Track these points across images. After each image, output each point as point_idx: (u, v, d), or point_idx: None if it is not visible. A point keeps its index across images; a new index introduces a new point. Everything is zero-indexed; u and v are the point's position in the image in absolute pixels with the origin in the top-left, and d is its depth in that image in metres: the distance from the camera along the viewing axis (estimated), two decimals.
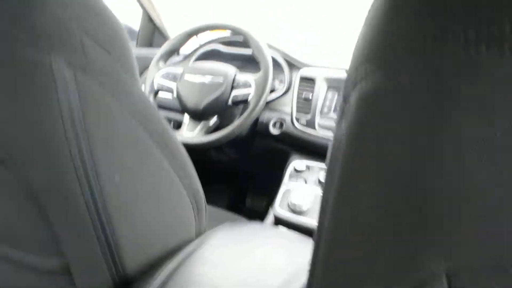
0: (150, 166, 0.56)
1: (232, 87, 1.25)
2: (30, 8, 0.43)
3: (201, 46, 1.56)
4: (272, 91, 1.37)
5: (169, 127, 0.58)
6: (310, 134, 1.30)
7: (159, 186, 0.59)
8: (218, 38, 1.56)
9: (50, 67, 0.43)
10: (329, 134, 1.28)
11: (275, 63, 1.41)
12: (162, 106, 1.52)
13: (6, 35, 0.43)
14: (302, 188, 1.20)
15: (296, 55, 1.46)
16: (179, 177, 0.61)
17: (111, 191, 0.50)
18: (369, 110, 0.25)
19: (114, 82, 0.48)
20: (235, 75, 1.26)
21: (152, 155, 0.56)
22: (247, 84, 1.24)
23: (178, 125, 1.60)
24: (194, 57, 1.54)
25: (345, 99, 0.28)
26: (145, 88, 1.35)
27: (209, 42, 1.57)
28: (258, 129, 1.39)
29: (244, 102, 1.24)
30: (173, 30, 1.75)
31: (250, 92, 1.23)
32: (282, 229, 1.11)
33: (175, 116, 1.50)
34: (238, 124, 1.22)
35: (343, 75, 1.36)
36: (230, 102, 1.25)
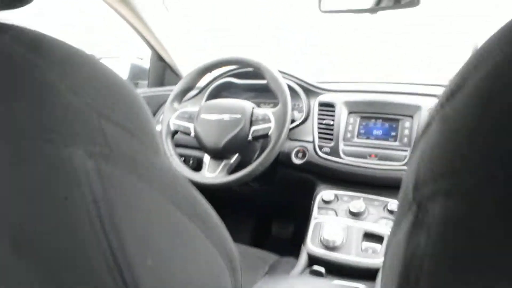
0: (183, 241, 0.52)
1: (251, 123, 1.22)
2: (42, 101, 0.40)
3: (214, 79, 1.54)
4: (292, 121, 1.34)
5: (195, 192, 0.55)
6: (335, 162, 1.26)
7: (193, 257, 0.55)
8: (230, 70, 1.54)
9: (70, 161, 0.40)
10: (355, 161, 1.23)
11: (291, 90, 1.37)
12: (181, 145, 1.49)
13: (21, 132, 0.40)
14: (333, 221, 1.15)
15: (311, 79, 1.43)
16: (212, 242, 0.58)
17: (144, 276, 0.47)
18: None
19: (139, 164, 0.45)
20: (252, 110, 1.23)
21: (185, 229, 0.53)
22: (266, 119, 1.20)
23: (198, 162, 1.57)
24: (208, 92, 1.52)
25: (428, 124, 0.25)
26: (161, 130, 1.33)
27: (222, 75, 1.54)
28: (280, 159, 1.34)
29: (265, 136, 1.21)
30: (183, 60, 1.73)
31: (270, 126, 1.19)
32: (324, 282, 1.05)
33: (194, 153, 1.47)
34: (261, 160, 1.18)
35: (363, 98, 1.31)
36: (250, 137, 1.21)
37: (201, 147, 1.27)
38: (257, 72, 1.28)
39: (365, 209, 1.14)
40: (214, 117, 1.25)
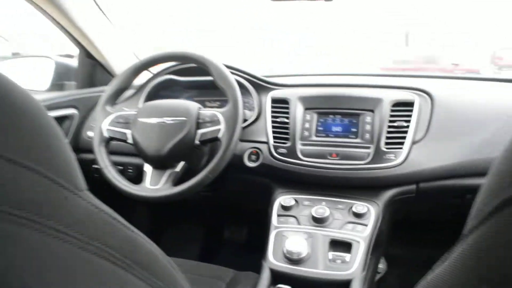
0: None
1: (198, 126, 1.07)
2: None
3: (152, 77, 1.37)
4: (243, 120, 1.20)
5: (133, 233, 0.41)
6: (293, 164, 1.14)
7: None
8: (171, 67, 1.38)
9: None
10: (314, 162, 1.12)
11: (240, 86, 1.23)
12: (117, 152, 1.30)
13: None
14: (296, 230, 1.04)
15: (261, 73, 1.30)
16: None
17: None
18: None
19: (50, 212, 0.31)
20: (198, 111, 1.08)
21: (119, 283, 0.39)
22: (215, 120, 1.06)
23: (139, 171, 1.40)
24: (145, 92, 1.35)
25: None
26: (93, 137, 1.14)
27: (161, 73, 1.38)
28: (231, 162, 1.20)
29: (214, 140, 1.07)
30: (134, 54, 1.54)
31: (220, 128, 1.05)
32: None
33: (134, 160, 1.30)
34: (212, 168, 1.04)
35: (319, 92, 1.21)
36: (197, 142, 1.07)
37: (141, 156, 1.10)
38: (200, 68, 1.13)
39: (329, 215, 1.04)
40: (154, 120, 1.09)
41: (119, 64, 1.49)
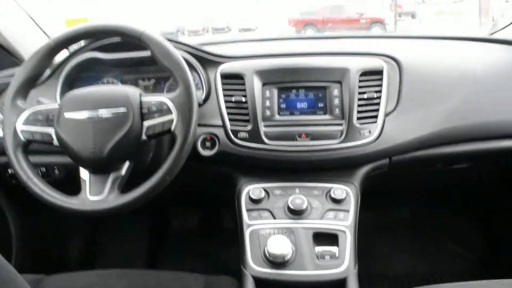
0: None
1: (142, 117, 0.87)
2: None
3: (70, 56, 1.11)
4: None
5: None
6: (257, 149, 1.00)
7: None
8: (91, 42, 1.13)
9: None
10: (282, 145, 0.99)
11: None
12: (37, 152, 1.04)
13: None
14: (273, 227, 0.92)
15: (209, 47, 1.11)
16: None
17: None
18: None
19: None
20: (140, 99, 0.88)
21: None
22: (163, 109, 0.87)
23: (67, 172, 1.16)
24: (63, 74, 1.09)
25: None
26: (5, 142, 0.89)
27: (81, 50, 1.12)
28: None
29: (166, 133, 0.88)
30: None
31: (172, 119, 0.86)
32: None
33: (60, 159, 1.05)
34: (169, 167, 0.85)
35: (277, 63, 1.06)
36: (144, 137, 0.87)
37: (74, 160, 0.88)
38: (128, 42, 0.91)
39: (307, 204, 0.93)
40: (85, 115, 0.86)
41: (25, 43, 1.19)
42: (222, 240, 1.56)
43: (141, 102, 0.88)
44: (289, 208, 0.93)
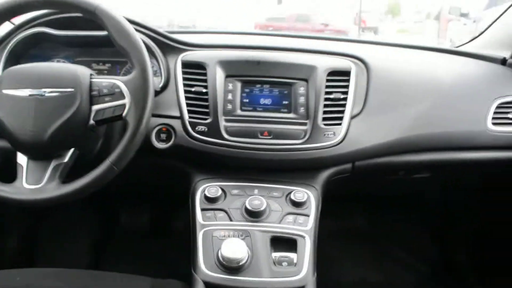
0: None
1: (91, 100, 0.79)
2: None
3: (15, 30, 1.01)
4: None
5: None
6: (216, 145, 0.94)
7: None
8: (42, 16, 1.03)
9: None
10: (242, 142, 0.94)
11: None
12: None
13: None
14: (228, 228, 0.86)
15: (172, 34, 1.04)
16: None
17: None
18: None
19: None
20: (91, 80, 0.80)
21: None
22: (116, 92, 0.79)
23: (2, 157, 1.05)
24: (7, 51, 0.99)
25: None
26: None
27: (29, 23, 1.02)
28: None
29: (117, 119, 0.80)
30: None
31: (124, 103, 0.79)
32: None
33: None
34: (117, 156, 0.78)
35: (243, 56, 1.00)
36: (91, 122, 0.79)
37: (10, 142, 0.79)
38: (87, 19, 0.83)
39: (266, 206, 0.87)
40: (26, 92, 0.78)
41: None
42: (173, 240, 1.48)
43: (91, 84, 0.80)
44: (246, 209, 0.87)
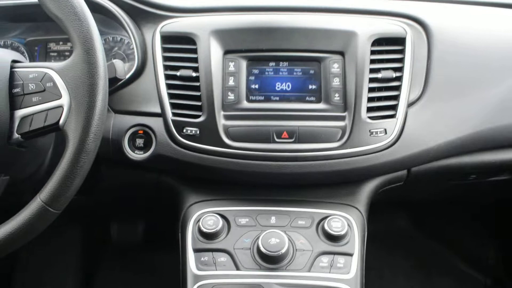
0: None
1: (12, 102, 0.54)
2: None
3: None
4: (113, 80, 0.66)
5: None
6: (212, 154, 0.68)
7: None
8: None
9: None
10: (250, 148, 0.68)
11: (103, 12, 0.76)
12: None
13: None
14: (236, 284, 0.62)
15: None
16: None
17: None
18: None
19: None
20: (12, 70, 0.57)
21: None
22: (46, 87, 0.54)
23: None
24: None
25: None
26: None
27: None
28: (101, 152, 0.68)
29: (52, 129, 0.53)
30: None
31: (60, 105, 0.52)
32: None
33: None
34: (52, 191, 0.52)
35: (247, 21, 0.74)
36: (16, 136, 0.55)
37: None
38: None
39: (288, 246, 0.60)
40: None
41: None
42: (168, 252, 1.30)
43: (12, 75, 0.55)
44: (259, 251, 0.63)
